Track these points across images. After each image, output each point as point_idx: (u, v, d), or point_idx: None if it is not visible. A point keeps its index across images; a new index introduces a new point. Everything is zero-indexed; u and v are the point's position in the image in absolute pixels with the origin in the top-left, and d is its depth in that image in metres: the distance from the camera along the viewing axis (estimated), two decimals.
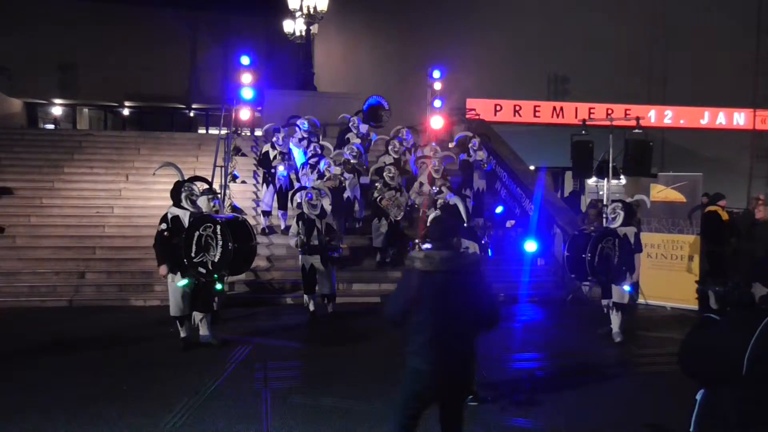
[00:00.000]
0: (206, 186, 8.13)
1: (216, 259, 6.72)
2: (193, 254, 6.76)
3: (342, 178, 10.68)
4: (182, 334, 7.05)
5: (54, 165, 13.51)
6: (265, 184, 11.27)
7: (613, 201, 8.26)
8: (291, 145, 11.71)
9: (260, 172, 11.70)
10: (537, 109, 21.25)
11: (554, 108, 21.21)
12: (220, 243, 6.74)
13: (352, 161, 11.12)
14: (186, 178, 7.40)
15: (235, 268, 7.18)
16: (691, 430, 2.66)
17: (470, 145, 12.09)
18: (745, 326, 2.42)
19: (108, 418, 5.01)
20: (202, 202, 7.69)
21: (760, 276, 2.63)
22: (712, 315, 2.72)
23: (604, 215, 11.25)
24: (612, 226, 7.83)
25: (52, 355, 6.79)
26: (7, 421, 4.93)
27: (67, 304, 9.37)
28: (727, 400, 2.45)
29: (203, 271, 6.83)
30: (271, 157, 11.10)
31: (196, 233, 6.78)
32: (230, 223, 6.90)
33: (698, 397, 2.67)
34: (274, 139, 11.25)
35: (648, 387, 5.78)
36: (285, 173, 11.19)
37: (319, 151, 11.53)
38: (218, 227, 6.78)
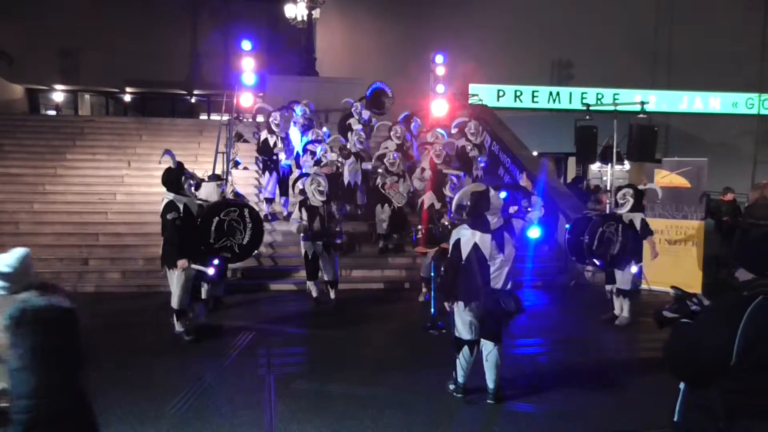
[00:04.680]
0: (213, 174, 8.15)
1: (245, 242, 6.83)
2: (212, 240, 6.74)
3: (338, 164, 10.62)
4: (178, 329, 6.87)
5: (56, 151, 13.50)
6: (267, 172, 11.22)
7: (624, 186, 8.19)
8: (291, 130, 11.67)
9: (261, 158, 11.63)
10: (539, 94, 21.17)
11: (557, 93, 21.13)
12: (250, 226, 6.76)
13: (358, 146, 11.10)
14: (184, 165, 7.31)
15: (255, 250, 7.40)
16: (675, 419, 2.64)
17: (466, 129, 12.01)
18: (730, 315, 2.37)
19: (112, 403, 5.02)
20: (211, 189, 7.67)
21: (742, 261, 2.59)
22: (686, 320, 2.70)
23: (608, 201, 11.24)
24: (619, 211, 7.83)
25: None
26: None
27: (71, 290, 9.36)
28: (713, 391, 2.43)
29: (228, 255, 6.90)
30: (271, 144, 11.05)
31: (216, 219, 6.76)
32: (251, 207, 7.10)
33: (682, 386, 2.65)
34: (271, 119, 11.17)
35: (650, 372, 5.77)
36: (288, 163, 11.15)
37: (323, 136, 11.47)
38: (246, 210, 6.82)
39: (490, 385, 5.16)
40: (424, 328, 7.07)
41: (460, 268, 5.01)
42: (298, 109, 12.34)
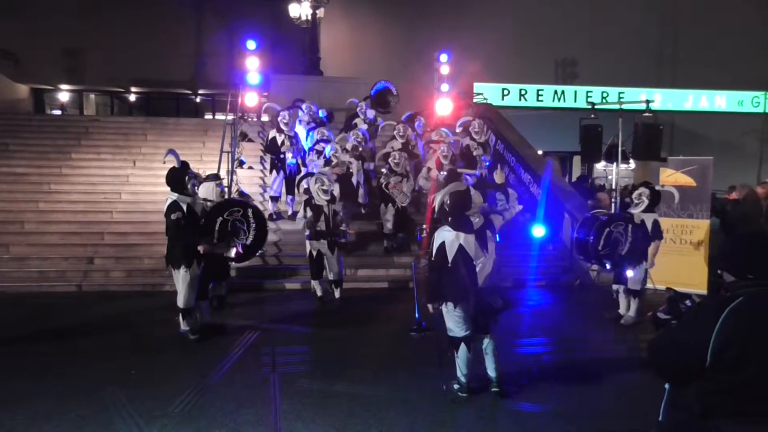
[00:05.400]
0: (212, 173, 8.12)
1: (249, 242, 6.84)
2: (215, 240, 6.73)
3: (350, 164, 10.62)
4: (183, 328, 6.90)
5: (61, 151, 13.53)
6: (274, 170, 11.22)
7: (641, 185, 8.12)
8: (297, 129, 11.68)
9: (267, 157, 11.64)
10: (544, 93, 21.12)
11: (562, 92, 21.08)
12: (254, 225, 6.75)
13: (359, 148, 11.07)
14: (188, 164, 7.29)
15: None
16: (660, 419, 2.66)
17: (470, 128, 11.99)
18: (709, 316, 2.38)
19: (117, 402, 5.05)
20: (210, 188, 7.65)
21: (724, 264, 2.59)
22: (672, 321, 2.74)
23: (613, 200, 11.19)
24: (633, 210, 7.79)
25: (62, 340, 6.84)
26: (18, 405, 4.98)
27: (76, 289, 9.43)
28: (690, 391, 2.43)
29: (232, 256, 6.86)
30: (279, 142, 11.06)
31: (219, 219, 6.75)
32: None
33: (667, 385, 2.68)
34: (280, 117, 11.18)
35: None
36: (294, 161, 11.17)
37: (329, 136, 11.47)
38: (250, 210, 6.82)
39: (492, 374, 5.24)
40: (411, 330, 7.05)
41: (446, 270, 5.01)
42: (304, 107, 12.37)
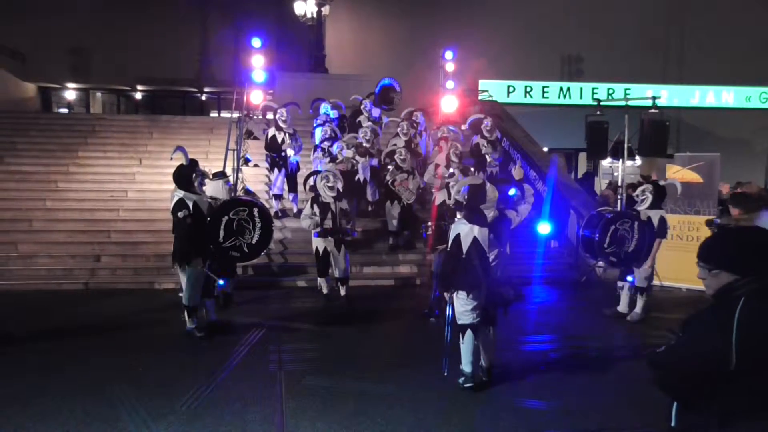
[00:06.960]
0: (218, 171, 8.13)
1: (254, 242, 6.83)
2: (221, 239, 6.75)
3: (354, 161, 10.62)
4: (189, 325, 6.90)
5: (68, 149, 13.59)
6: (275, 168, 11.23)
7: (646, 182, 8.10)
8: (315, 128, 11.74)
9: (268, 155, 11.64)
10: (550, 90, 21.06)
11: (568, 89, 21.01)
12: (259, 225, 6.77)
13: (365, 144, 11.05)
14: (197, 162, 7.29)
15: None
16: (672, 424, 2.63)
17: (482, 126, 11.95)
18: (721, 321, 2.35)
19: (124, 399, 5.07)
20: (219, 187, 7.67)
21: (724, 264, 2.53)
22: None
23: (619, 197, 11.14)
24: (639, 208, 7.76)
25: (69, 338, 6.88)
26: (25, 403, 5.01)
27: (83, 287, 9.47)
28: (707, 394, 2.41)
29: (237, 254, 6.89)
30: (279, 140, 11.07)
31: (225, 218, 6.77)
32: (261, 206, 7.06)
33: None
34: (278, 115, 11.19)
35: None
36: (297, 159, 11.17)
37: (335, 134, 11.47)
38: (255, 210, 6.83)
39: (485, 364, 5.41)
40: (429, 317, 7.13)
41: (461, 260, 5.14)
42: (323, 108, 12.35)
